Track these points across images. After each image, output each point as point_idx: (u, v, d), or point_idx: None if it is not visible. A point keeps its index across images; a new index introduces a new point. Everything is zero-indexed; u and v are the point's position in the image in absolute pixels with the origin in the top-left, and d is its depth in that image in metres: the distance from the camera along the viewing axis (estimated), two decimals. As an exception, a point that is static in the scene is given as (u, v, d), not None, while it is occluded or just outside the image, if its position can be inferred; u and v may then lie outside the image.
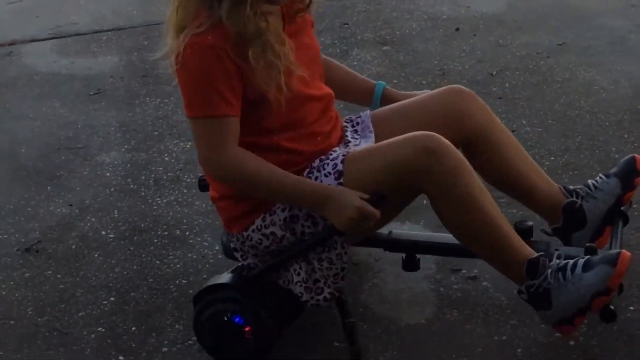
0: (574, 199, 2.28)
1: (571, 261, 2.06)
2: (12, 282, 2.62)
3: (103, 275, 2.62)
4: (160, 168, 3.16)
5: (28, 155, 3.31)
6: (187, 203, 2.94)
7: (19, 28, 4.51)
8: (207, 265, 2.62)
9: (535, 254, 2.09)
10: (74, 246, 2.78)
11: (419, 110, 2.30)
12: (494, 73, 3.60)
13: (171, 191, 3.01)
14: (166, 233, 2.80)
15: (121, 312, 2.46)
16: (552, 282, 2.05)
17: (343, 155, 2.13)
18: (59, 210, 2.97)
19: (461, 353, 2.18)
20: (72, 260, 2.71)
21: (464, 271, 2.49)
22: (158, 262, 2.66)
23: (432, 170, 2.04)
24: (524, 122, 3.22)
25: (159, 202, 2.97)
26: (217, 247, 2.69)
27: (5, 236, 2.85)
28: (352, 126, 2.33)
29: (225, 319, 2.17)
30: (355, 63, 3.80)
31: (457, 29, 4.03)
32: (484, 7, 4.23)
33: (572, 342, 2.17)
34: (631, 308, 2.26)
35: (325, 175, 2.10)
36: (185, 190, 3.01)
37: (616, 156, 2.90)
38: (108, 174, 3.15)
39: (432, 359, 2.17)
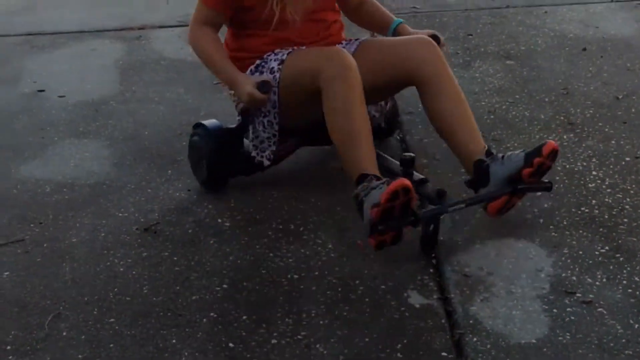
0: (484, 158, 2.67)
1: (378, 182, 2.53)
2: (129, 260, 2.70)
3: (217, 262, 2.67)
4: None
5: (151, 138, 3.40)
6: (302, 198, 2.97)
7: (148, 13, 4.63)
8: (320, 263, 2.64)
9: (371, 172, 2.59)
10: (190, 231, 2.84)
11: (389, 48, 2.87)
12: (620, 97, 3.53)
13: (288, 186, 3.05)
14: (280, 227, 2.83)
15: (233, 300, 2.50)
16: (364, 196, 2.52)
17: (293, 49, 2.81)
18: (177, 194, 3.04)
19: (572, 377, 2.16)
20: (188, 244, 2.77)
21: (578, 294, 2.45)
22: (271, 254, 2.70)
23: (323, 71, 2.65)
24: (649, 149, 3.15)
25: (275, 195, 3.01)
26: (330, 245, 2.71)
27: (126, 214, 2.93)
28: (345, 44, 2.94)
29: (195, 147, 3.01)
30: (477, 75, 3.79)
31: (584, 49, 3.97)
32: (613, 29, 4.16)
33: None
34: None
35: (275, 61, 2.80)
36: (300, 187, 3.04)
37: None
38: (227, 163, 3.21)
39: (541, 380, 2.15)
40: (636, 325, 2.32)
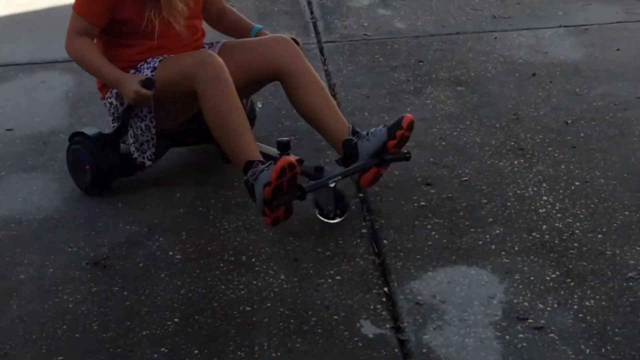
0: (352, 137, 2.94)
1: (263, 165, 2.76)
2: (79, 296, 2.66)
3: (168, 295, 2.64)
4: (230, 193, 3.18)
5: (101, 171, 3.36)
6: (254, 229, 2.96)
7: (99, 44, 4.59)
8: (272, 294, 2.62)
9: (255, 158, 2.81)
10: (141, 264, 2.81)
11: (251, 48, 3.11)
12: (569, 122, 3.56)
13: (239, 216, 3.03)
14: (232, 258, 2.81)
15: (184, 334, 2.47)
16: (254, 180, 2.74)
17: (164, 57, 3.00)
18: (128, 227, 3.01)
19: (524, 404, 2.15)
20: (138, 278, 2.73)
21: (530, 320, 2.46)
22: (223, 287, 2.67)
23: (198, 75, 2.86)
24: (598, 173, 3.17)
25: (227, 226, 2.99)
26: (282, 276, 2.70)
27: (75, 249, 2.89)
28: (208, 47, 3.16)
29: (77, 155, 3.16)
30: (428, 101, 3.80)
31: (534, 74, 4.00)
32: (562, 54, 4.21)
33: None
34: None
35: (148, 69, 2.98)
36: (253, 217, 3.02)
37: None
38: (178, 195, 3.18)
39: (495, 408, 2.15)
40: (587, 350, 2.32)
